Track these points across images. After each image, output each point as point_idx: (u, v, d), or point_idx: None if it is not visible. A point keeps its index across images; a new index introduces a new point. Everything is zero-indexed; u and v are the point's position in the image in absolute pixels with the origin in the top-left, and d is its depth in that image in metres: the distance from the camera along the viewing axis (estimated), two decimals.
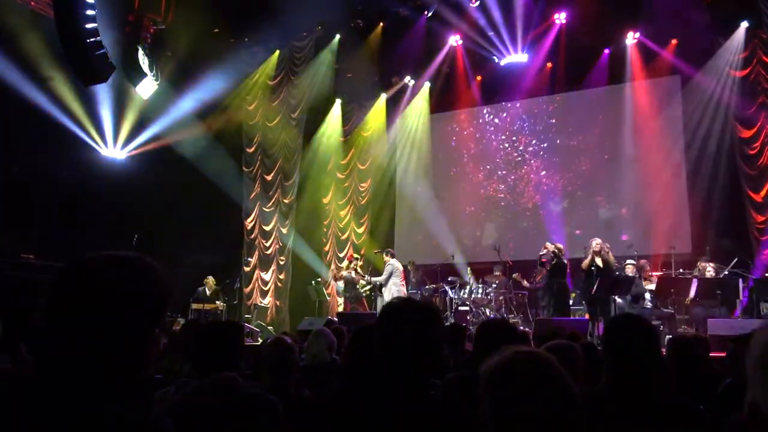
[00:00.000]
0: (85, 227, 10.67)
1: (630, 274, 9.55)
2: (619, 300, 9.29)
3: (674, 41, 12.03)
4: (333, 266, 13.82)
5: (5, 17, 9.97)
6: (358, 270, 12.07)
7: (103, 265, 1.17)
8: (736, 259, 9.48)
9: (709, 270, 9.35)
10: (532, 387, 1.37)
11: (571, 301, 10.25)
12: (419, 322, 1.69)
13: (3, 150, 10.18)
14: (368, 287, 11.87)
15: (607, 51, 12.78)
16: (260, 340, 9.82)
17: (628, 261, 10.03)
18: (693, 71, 11.82)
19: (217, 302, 11.84)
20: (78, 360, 1.09)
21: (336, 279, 12.62)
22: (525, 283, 11.66)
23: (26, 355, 3.70)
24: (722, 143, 11.21)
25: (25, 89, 10.37)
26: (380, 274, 11.41)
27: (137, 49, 11.39)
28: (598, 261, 9.15)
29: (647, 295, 9.58)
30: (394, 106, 15.06)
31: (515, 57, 13.01)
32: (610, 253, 9.34)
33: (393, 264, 11.08)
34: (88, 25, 9.83)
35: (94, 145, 12.08)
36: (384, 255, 11.39)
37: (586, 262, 9.28)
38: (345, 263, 12.45)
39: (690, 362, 3.38)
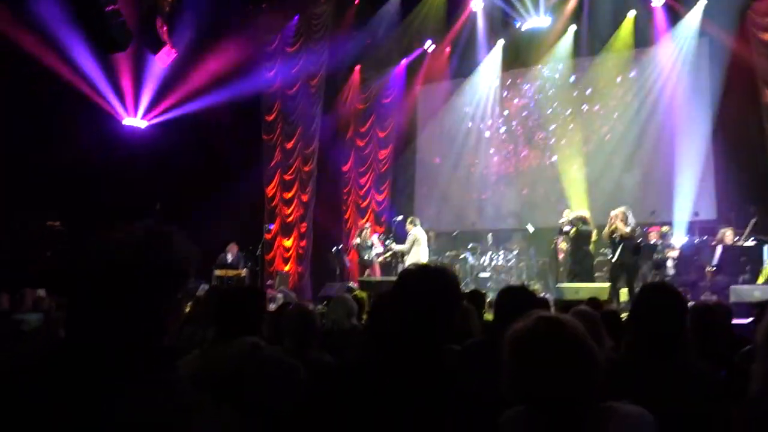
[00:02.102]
0: (109, 195, 10.81)
1: (652, 241, 9.46)
2: (641, 267, 9.22)
3: (702, 3, 11.67)
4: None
5: None
6: (372, 237, 12.06)
7: (126, 236, 1.18)
8: (754, 220, 9.28)
9: (728, 235, 9.20)
10: (555, 351, 1.38)
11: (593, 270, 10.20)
12: (435, 288, 1.69)
13: (28, 120, 10.29)
14: (388, 254, 11.86)
15: (632, 13, 12.45)
16: (282, 303, 9.94)
17: (651, 229, 9.94)
18: (721, 34, 11.49)
19: (239, 269, 11.99)
20: (103, 325, 1.12)
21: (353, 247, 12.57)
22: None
23: (57, 314, 3.81)
24: (749, 107, 10.92)
25: (46, 59, 10.44)
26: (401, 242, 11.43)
27: (156, 18, 11.35)
28: (621, 228, 9.05)
29: (669, 263, 9.50)
30: (414, 72, 14.89)
31: (537, 20, 12.75)
32: (632, 220, 9.22)
33: (416, 232, 11.06)
34: None
35: (115, 113, 12.16)
36: (407, 223, 11.36)
37: (606, 230, 9.22)
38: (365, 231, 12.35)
39: (712, 330, 3.35)
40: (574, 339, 1.40)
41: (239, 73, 13.32)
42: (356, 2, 13.66)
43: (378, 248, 11.96)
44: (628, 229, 8.98)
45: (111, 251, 1.16)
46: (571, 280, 9.38)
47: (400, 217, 12.23)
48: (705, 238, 10.20)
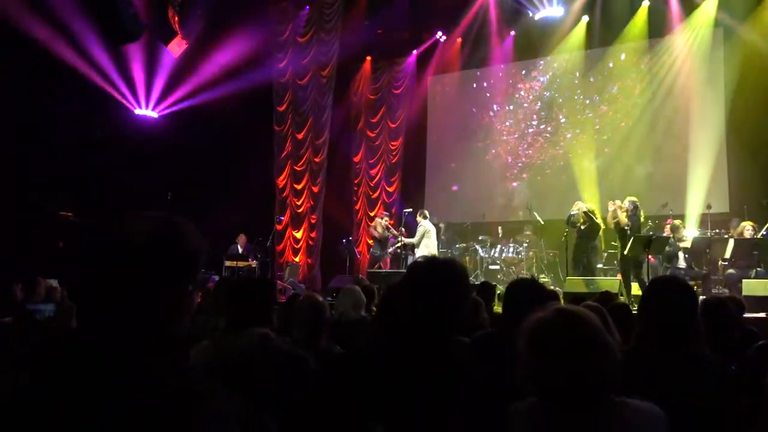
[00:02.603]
0: (120, 185, 10.89)
1: (664, 234, 9.40)
2: (652, 260, 9.16)
3: None
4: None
5: None
6: (390, 228, 12.04)
7: (136, 225, 1.19)
8: None
9: (748, 229, 9.12)
10: (572, 344, 1.38)
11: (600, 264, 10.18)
12: (444, 280, 1.69)
13: (40, 111, 10.37)
14: (398, 245, 11.87)
15: (646, 3, 12.33)
16: (293, 293, 9.98)
17: (665, 221, 9.88)
18: (736, 24, 11.36)
19: (249, 260, 12.04)
20: (114, 315, 1.13)
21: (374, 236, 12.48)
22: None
23: (69, 304, 3.84)
24: (763, 99, 10.79)
25: (59, 50, 10.49)
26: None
27: (167, 8, 11.37)
28: (621, 219, 9.01)
29: (681, 255, 9.44)
30: (425, 63, 14.84)
31: (550, 11, 12.65)
32: (637, 211, 9.15)
33: (425, 225, 11.07)
34: None
35: (127, 104, 12.22)
36: (417, 216, 11.37)
37: (609, 219, 9.22)
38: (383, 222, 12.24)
39: (724, 324, 3.34)
40: (590, 332, 1.40)
41: (250, 63, 13.32)
42: None
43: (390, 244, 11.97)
44: (626, 219, 8.92)
45: (122, 241, 1.17)
46: (580, 273, 9.35)
47: (410, 209, 12.23)
48: (717, 231, 10.13)
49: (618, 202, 9.24)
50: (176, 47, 11.63)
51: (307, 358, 2.31)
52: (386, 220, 12.12)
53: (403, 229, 12.11)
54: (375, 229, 12.19)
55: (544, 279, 11.08)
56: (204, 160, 12.45)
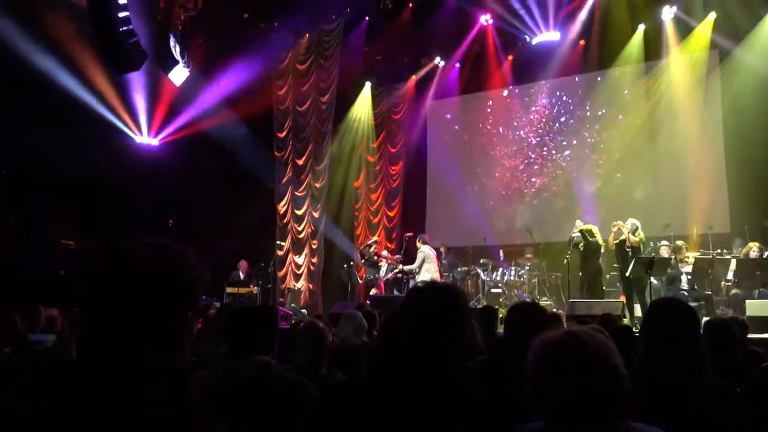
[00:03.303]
0: (121, 214, 10.91)
1: (665, 255, 9.38)
2: (654, 282, 9.13)
3: (712, 15, 11.68)
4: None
5: (41, 9, 10.15)
6: (371, 246, 12.05)
7: (137, 252, 1.20)
8: None
9: (755, 251, 9.11)
10: (580, 367, 1.38)
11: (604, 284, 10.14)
12: (444, 305, 1.69)
13: (42, 139, 10.43)
14: (397, 271, 11.81)
15: (642, 27, 12.48)
16: (294, 322, 9.94)
17: (663, 242, 9.86)
18: (732, 46, 11.48)
19: (251, 286, 12.01)
20: (115, 343, 1.13)
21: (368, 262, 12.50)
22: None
23: (69, 335, 3.83)
24: (761, 119, 10.86)
25: (62, 79, 10.59)
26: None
27: (169, 37, 11.50)
28: (631, 238, 9.02)
29: (684, 277, 9.41)
30: (424, 88, 14.96)
31: (547, 35, 12.78)
32: (641, 233, 9.15)
33: (425, 251, 11.07)
34: (121, 14, 9.95)
35: (129, 132, 12.30)
36: (417, 242, 11.38)
37: (611, 239, 9.23)
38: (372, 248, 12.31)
39: (727, 345, 3.32)
40: (601, 354, 1.40)
41: (251, 91, 13.44)
42: (366, 19, 13.78)
43: (384, 268, 11.92)
44: (636, 239, 8.93)
45: (123, 269, 1.17)
46: (583, 295, 9.31)
47: (411, 234, 12.24)
48: (719, 251, 10.11)
49: (620, 222, 9.26)
50: (177, 76, 11.74)
51: (308, 385, 2.30)
52: (374, 246, 12.14)
53: (387, 254, 12.12)
54: (366, 252, 12.19)
55: (546, 302, 11.03)
56: (205, 186, 12.50)
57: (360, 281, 12.52)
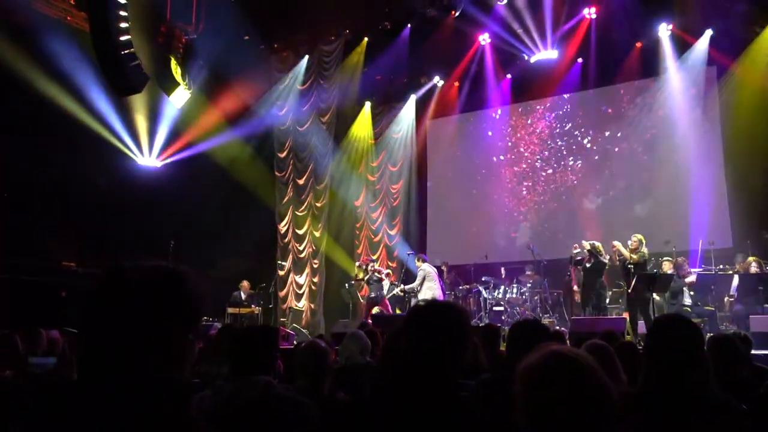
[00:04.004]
0: (123, 235, 10.92)
1: (668, 272, 9.36)
2: (657, 298, 9.10)
3: (709, 31, 11.77)
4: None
5: (42, 32, 10.25)
6: (367, 265, 12.06)
7: (138, 274, 1.20)
8: None
9: (754, 266, 9.09)
10: (567, 386, 1.37)
11: (607, 300, 10.10)
12: (444, 324, 1.69)
13: (44, 160, 10.48)
14: (398, 289, 11.78)
15: (639, 44, 12.57)
16: (295, 343, 9.89)
17: (665, 258, 9.84)
18: (729, 62, 11.55)
19: (252, 306, 11.98)
20: (115, 363, 1.13)
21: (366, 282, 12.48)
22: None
23: (70, 356, 3.81)
24: (761, 134, 10.89)
25: (64, 102, 10.67)
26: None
27: (170, 59, 11.61)
28: (624, 252, 9.02)
29: (686, 293, 9.38)
30: (423, 107, 15.04)
31: (545, 54, 12.87)
32: (644, 249, 9.12)
33: (425, 269, 11.06)
34: (122, 37, 10.07)
35: (130, 154, 12.35)
36: (417, 260, 11.39)
37: (614, 257, 9.21)
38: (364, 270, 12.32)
39: (732, 361, 3.30)
40: (584, 373, 1.39)
41: (251, 111, 13.53)
42: (366, 39, 13.90)
43: (387, 284, 11.90)
44: (635, 256, 8.91)
45: (125, 290, 1.17)
46: (587, 313, 9.27)
47: (412, 252, 12.24)
48: (722, 266, 10.08)
49: (617, 243, 9.25)
50: (179, 97, 11.83)
51: (309, 405, 2.28)
52: (372, 264, 12.17)
53: (389, 271, 12.13)
54: (362, 271, 12.19)
55: (548, 319, 10.98)
56: (206, 207, 12.52)
57: (361, 300, 12.49)
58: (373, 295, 11.79)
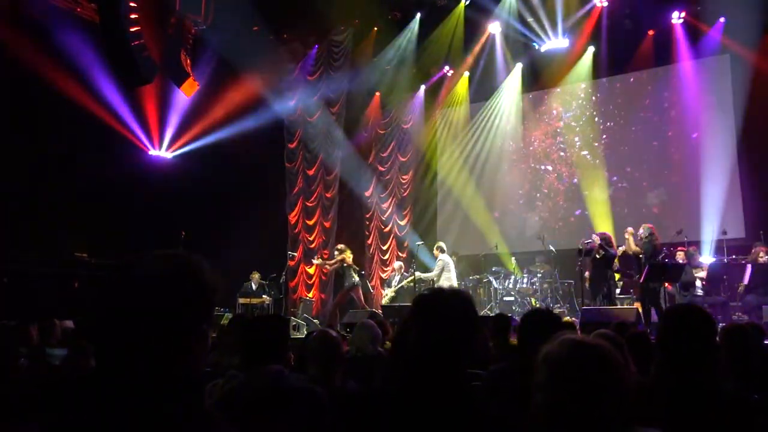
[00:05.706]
0: (134, 225, 10.99)
1: (680, 261, 9.31)
2: (669, 288, 9.05)
3: (722, 19, 11.62)
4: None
5: (52, 24, 10.29)
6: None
7: (152, 264, 1.20)
8: None
9: (762, 255, 9.02)
10: (593, 376, 1.37)
11: (618, 290, 10.08)
12: (453, 313, 1.68)
13: (55, 151, 10.55)
14: (410, 279, 11.71)
15: (651, 32, 12.43)
16: (306, 333, 9.91)
17: (678, 248, 9.79)
18: (743, 50, 11.40)
19: (263, 296, 12.04)
20: (130, 355, 1.13)
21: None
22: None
23: (84, 345, 3.85)
24: None
25: (74, 93, 10.71)
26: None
27: (179, 50, 11.62)
28: (629, 245, 8.99)
29: (698, 283, 9.32)
30: (433, 97, 14.98)
31: (556, 42, 12.77)
32: (652, 237, 9.08)
33: (443, 259, 11.01)
34: (132, 29, 10.08)
35: (141, 145, 12.40)
36: (434, 250, 11.32)
37: (628, 247, 9.18)
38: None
39: (745, 351, 3.28)
40: (608, 363, 1.39)
41: (261, 102, 13.53)
42: (375, 29, 13.84)
43: (397, 276, 11.87)
44: (636, 248, 8.90)
45: (138, 280, 1.18)
46: (597, 303, 9.24)
47: (422, 242, 12.20)
48: (734, 257, 10.01)
49: (630, 229, 9.22)
50: (189, 88, 11.85)
51: (320, 394, 2.29)
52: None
53: (401, 264, 12.11)
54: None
55: (559, 309, 10.96)
56: (217, 198, 12.57)
57: (372, 291, 12.49)
58: (346, 283, 11.49)
